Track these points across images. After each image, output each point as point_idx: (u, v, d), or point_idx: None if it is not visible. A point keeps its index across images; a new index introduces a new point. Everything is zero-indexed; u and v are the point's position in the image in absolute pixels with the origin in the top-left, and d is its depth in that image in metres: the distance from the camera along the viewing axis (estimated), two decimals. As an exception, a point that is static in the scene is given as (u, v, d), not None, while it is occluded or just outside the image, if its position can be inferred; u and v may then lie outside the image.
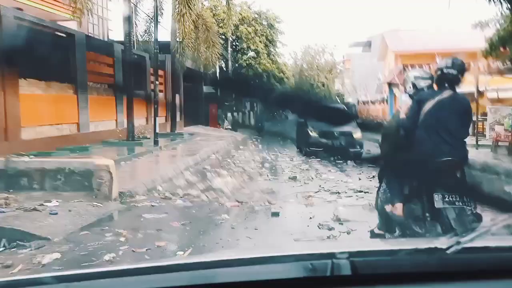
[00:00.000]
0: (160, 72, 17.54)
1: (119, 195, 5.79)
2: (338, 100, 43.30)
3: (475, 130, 13.68)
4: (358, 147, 11.82)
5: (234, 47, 34.06)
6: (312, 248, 1.07)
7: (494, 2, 10.13)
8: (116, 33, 20.36)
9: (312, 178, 7.95)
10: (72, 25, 13.52)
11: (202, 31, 16.23)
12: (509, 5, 10.25)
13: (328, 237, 4.20)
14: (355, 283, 0.82)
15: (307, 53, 56.16)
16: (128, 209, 5.40)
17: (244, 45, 33.99)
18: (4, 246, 3.90)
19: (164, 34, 26.22)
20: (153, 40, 14.19)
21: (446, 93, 3.53)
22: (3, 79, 8.49)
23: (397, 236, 3.68)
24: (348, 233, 4.39)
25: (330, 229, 4.50)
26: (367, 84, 44.57)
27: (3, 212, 4.70)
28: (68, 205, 5.08)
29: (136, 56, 15.50)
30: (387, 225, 3.87)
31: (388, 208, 3.84)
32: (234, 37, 33.56)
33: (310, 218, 4.97)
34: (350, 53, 58.31)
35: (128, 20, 12.95)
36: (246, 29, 33.46)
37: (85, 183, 5.78)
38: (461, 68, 3.50)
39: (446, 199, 3.40)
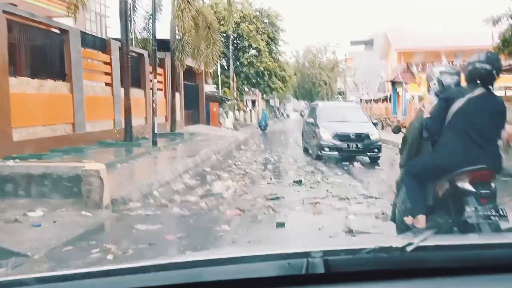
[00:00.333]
0: (160, 70, 17.16)
1: (111, 202, 5.35)
2: (340, 99, 42.83)
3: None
4: (376, 150, 10.48)
5: (235, 45, 33.63)
6: (288, 247, 1.09)
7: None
8: (115, 31, 19.94)
9: (318, 182, 7.47)
10: (69, 22, 13.12)
11: (202, 28, 15.78)
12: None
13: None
14: (328, 281, 0.85)
15: (309, 51, 55.80)
16: (119, 218, 4.95)
17: (246, 43, 33.57)
18: (-24, 264, 3.47)
19: (164, 32, 25.77)
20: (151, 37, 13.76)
21: (478, 91, 3.08)
22: (-9, 78, 8.07)
23: None
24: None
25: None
26: (369, 83, 44.18)
27: (-19, 223, 4.26)
28: (54, 215, 4.64)
29: (134, 54, 15.08)
30: None
31: (408, 220, 3.39)
32: (235, 35, 33.16)
33: (319, 229, 4.51)
34: (352, 51, 57.96)
35: (125, 16, 12.49)
36: (248, 27, 33.04)
37: (74, 189, 5.34)
38: (496, 64, 3.05)
39: (480, 212, 2.96)
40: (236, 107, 31.41)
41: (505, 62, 12.73)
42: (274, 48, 35.58)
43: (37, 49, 9.95)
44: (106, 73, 13.09)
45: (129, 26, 15.82)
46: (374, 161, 10.39)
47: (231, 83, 31.62)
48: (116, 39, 13.35)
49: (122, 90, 12.39)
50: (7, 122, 8.41)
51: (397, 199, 3.86)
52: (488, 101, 3.11)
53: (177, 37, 16.26)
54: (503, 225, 2.93)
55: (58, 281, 0.90)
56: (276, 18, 35.36)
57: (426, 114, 3.30)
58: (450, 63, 20.11)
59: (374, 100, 38.27)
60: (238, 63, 33.16)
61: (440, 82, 3.39)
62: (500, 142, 3.21)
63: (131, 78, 12.90)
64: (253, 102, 44.56)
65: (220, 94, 28.83)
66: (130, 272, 0.92)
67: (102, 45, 13.14)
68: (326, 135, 10.60)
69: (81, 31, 11.95)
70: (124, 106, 12.07)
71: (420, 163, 3.43)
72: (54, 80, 10.39)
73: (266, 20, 35.04)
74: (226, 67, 32.68)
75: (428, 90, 3.58)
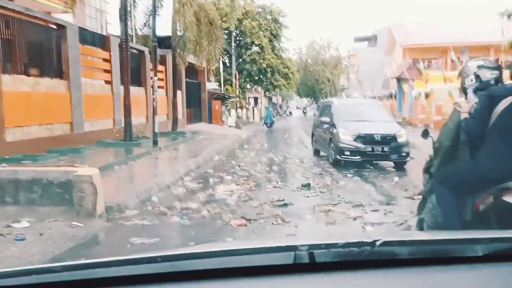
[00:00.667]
0: (161, 68, 16.76)
1: (105, 210, 4.92)
2: (344, 96, 42.32)
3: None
4: (404, 154, 9.16)
5: (237, 42, 33.16)
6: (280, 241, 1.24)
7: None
8: (116, 27, 19.49)
9: (328, 185, 7.02)
10: (69, 19, 12.71)
11: (204, 24, 15.33)
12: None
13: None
14: (312, 270, 0.98)
15: (312, 48, 55.22)
16: (113, 229, 4.52)
17: (248, 40, 33.09)
18: None
19: (166, 29, 25.35)
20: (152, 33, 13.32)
21: None
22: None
23: None
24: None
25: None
26: (373, 79, 43.67)
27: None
28: (41, 226, 4.21)
29: (135, 51, 14.67)
30: None
31: None
32: (237, 32, 32.69)
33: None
34: (355, 48, 57.36)
35: (125, 12, 12.06)
36: (250, 23, 32.58)
37: (65, 196, 4.91)
38: None
39: None
40: (238, 105, 30.98)
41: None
42: (277, 44, 35.11)
43: (32, 45, 9.55)
44: (106, 71, 12.73)
45: (130, 22, 15.40)
46: (400, 167, 9.18)
47: (234, 80, 31.18)
48: (116, 36, 12.93)
49: (122, 88, 11.99)
50: (-1, 122, 8.03)
51: (424, 212, 3.43)
52: None
53: (178, 33, 15.84)
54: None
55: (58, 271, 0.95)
56: (279, 15, 34.89)
57: (464, 114, 2.86)
58: (457, 59, 19.62)
59: (378, 97, 37.74)
60: (240, 60, 32.69)
61: (478, 77, 2.94)
62: None
63: (132, 76, 12.53)
64: (256, 99, 44.14)
65: (223, 91, 28.40)
66: (118, 264, 0.99)
67: (101, 41, 12.75)
68: (347, 137, 9.30)
69: (79, 27, 11.54)
70: (124, 105, 11.66)
71: (457, 171, 2.98)
72: (51, 78, 10.05)
73: (268, 17, 34.57)
74: (228, 64, 32.23)
75: (463, 88, 3.14)
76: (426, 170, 3.58)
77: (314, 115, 17.34)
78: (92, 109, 11.42)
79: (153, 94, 11.98)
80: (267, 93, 43.18)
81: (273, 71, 34.63)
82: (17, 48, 9.07)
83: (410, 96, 27.56)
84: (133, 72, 13.37)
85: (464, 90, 3.15)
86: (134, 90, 13.31)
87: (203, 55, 15.71)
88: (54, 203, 4.91)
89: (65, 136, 10.26)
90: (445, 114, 19.04)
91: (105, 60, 12.66)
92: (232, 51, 30.54)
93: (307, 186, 6.88)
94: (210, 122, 23.70)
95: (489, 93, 2.74)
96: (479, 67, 2.95)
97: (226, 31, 25.54)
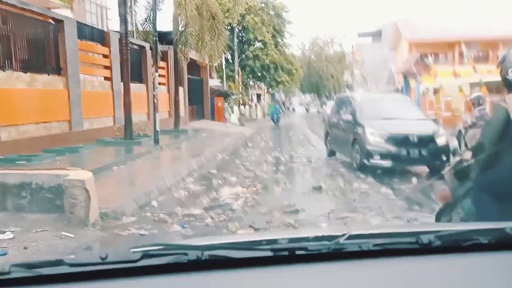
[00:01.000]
0: (163, 64, 16.34)
1: (100, 218, 4.50)
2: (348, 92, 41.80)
3: None
4: (444, 158, 7.75)
5: (240, 38, 32.68)
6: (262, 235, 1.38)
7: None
8: (116, 23, 19.08)
9: (341, 188, 6.56)
10: (68, 14, 12.30)
11: (206, 19, 14.86)
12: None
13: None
14: (290, 261, 1.04)
15: (315, 44, 54.61)
16: (107, 240, 4.07)
17: (251, 36, 32.59)
18: None
19: (167, 24, 24.89)
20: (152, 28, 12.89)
21: None
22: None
23: None
24: None
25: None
26: (377, 75, 43.10)
27: None
28: (27, 238, 3.79)
29: (135, 46, 14.24)
30: None
31: None
32: (240, 28, 32.22)
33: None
34: (359, 43, 56.69)
35: (125, 6, 11.62)
36: (253, 19, 32.09)
37: (56, 202, 4.49)
38: None
39: None
40: (241, 102, 30.52)
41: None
42: (280, 40, 34.60)
43: (29, 41, 9.13)
44: (105, 67, 12.35)
45: (130, 17, 14.97)
46: (436, 173, 6.78)
47: (236, 77, 30.71)
48: (116, 31, 12.51)
49: (122, 84, 11.58)
50: (-8, 120, 7.65)
51: (452, 218, 3.04)
52: None
53: (180, 28, 15.37)
54: None
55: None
56: (282, 10, 34.38)
57: None
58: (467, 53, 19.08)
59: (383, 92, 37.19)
60: (243, 56, 32.20)
61: None
62: None
63: (132, 72, 12.13)
64: (259, 96, 43.63)
65: (225, 88, 27.95)
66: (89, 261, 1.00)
67: (100, 37, 12.35)
68: (376, 138, 7.95)
69: (77, 22, 11.12)
70: (124, 102, 11.25)
71: (503, 176, 2.55)
72: (48, 75, 9.66)
73: (271, 12, 34.09)
74: (231, 60, 31.75)
75: (505, 80, 2.69)
76: (457, 174, 3.18)
77: (318, 112, 16.64)
78: (91, 106, 11.04)
79: (154, 91, 11.57)
80: (270, 89, 42.68)
81: (276, 67, 34.13)
82: (13, 43, 8.68)
83: (418, 92, 27.04)
84: (134, 69, 12.96)
85: (508, 83, 2.70)
86: (135, 87, 12.90)
87: (205, 50, 15.27)
88: (44, 210, 4.49)
89: (64, 134, 9.89)
90: (455, 110, 18.54)
91: (104, 56, 12.28)
92: (235, 47, 30.06)
93: (318, 188, 6.41)
94: (213, 119, 23.27)
95: None
96: None
97: (229, 27, 25.08)
